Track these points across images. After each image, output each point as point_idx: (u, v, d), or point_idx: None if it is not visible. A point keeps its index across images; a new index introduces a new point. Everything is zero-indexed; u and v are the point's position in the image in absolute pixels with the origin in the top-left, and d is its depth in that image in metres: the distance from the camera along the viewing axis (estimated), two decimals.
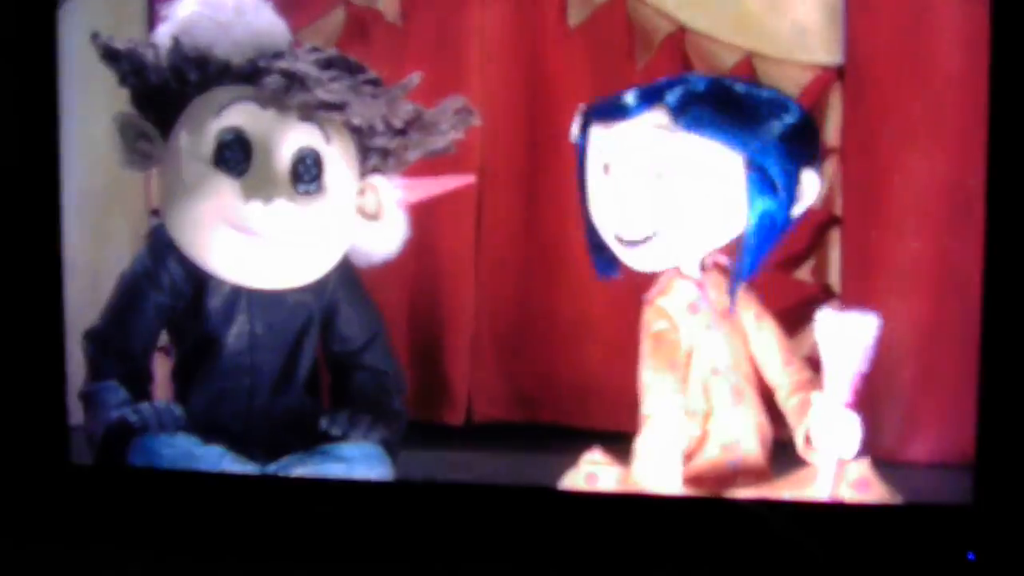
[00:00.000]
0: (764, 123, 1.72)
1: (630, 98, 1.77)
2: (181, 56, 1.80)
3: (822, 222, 2.29)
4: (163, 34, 1.84)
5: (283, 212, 1.77)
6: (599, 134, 1.81)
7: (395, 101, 1.84)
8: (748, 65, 2.27)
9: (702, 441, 1.86)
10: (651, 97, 1.75)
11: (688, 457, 1.86)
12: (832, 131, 2.25)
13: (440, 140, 1.91)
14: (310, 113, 1.80)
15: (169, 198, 1.84)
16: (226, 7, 1.82)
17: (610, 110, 1.79)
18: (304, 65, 1.80)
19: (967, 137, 1.99)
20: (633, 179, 1.76)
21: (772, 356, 1.85)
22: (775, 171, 1.73)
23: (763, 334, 1.86)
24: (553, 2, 2.37)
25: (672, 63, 2.30)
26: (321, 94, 1.77)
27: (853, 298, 2.25)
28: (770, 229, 1.76)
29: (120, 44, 1.82)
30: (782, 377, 1.84)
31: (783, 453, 1.84)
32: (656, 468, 1.78)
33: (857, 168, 2.25)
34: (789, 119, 1.74)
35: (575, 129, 1.86)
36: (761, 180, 1.73)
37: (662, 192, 1.75)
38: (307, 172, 1.81)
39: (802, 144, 1.76)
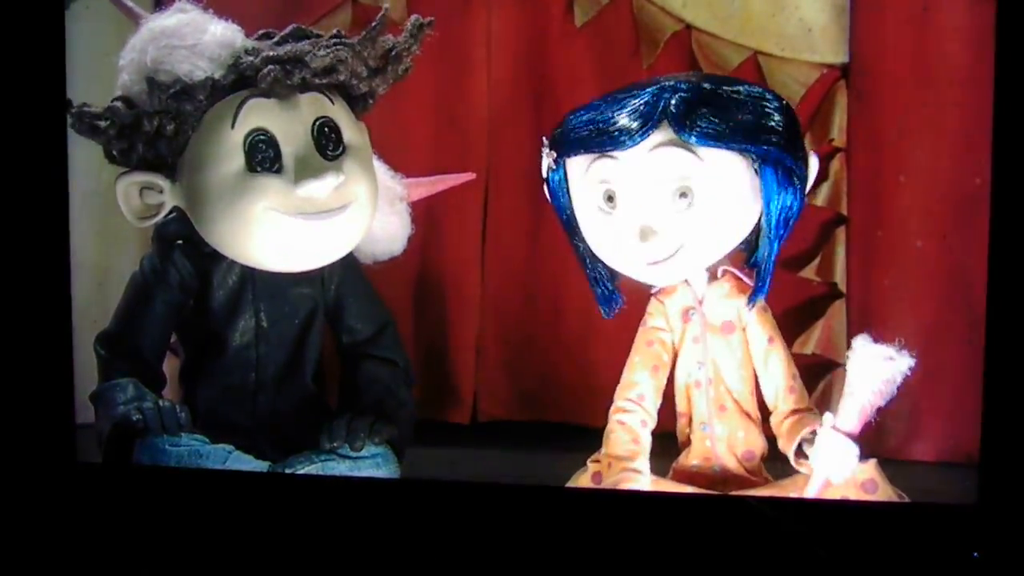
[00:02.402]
0: (764, 120, 1.70)
1: (632, 125, 1.69)
2: (168, 95, 1.78)
3: (828, 221, 2.29)
4: (131, 84, 1.82)
5: (333, 182, 1.79)
6: (597, 166, 1.74)
7: (375, 40, 1.84)
8: (754, 64, 2.27)
9: (687, 444, 1.88)
10: (650, 119, 1.69)
11: (679, 457, 1.89)
12: (838, 130, 2.26)
13: (405, 64, 1.89)
14: (307, 86, 1.81)
15: (210, 219, 1.82)
16: (185, 32, 1.81)
17: (607, 141, 1.71)
18: (282, 48, 1.80)
19: (972, 136, 1.99)
20: (653, 202, 1.72)
21: (776, 382, 1.82)
22: (791, 163, 1.71)
23: (771, 360, 1.83)
24: (559, 1, 2.38)
25: (678, 62, 2.30)
26: (316, 62, 1.78)
27: (858, 297, 2.26)
28: (788, 218, 1.75)
29: (99, 119, 1.79)
30: (783, 404, 1.82)
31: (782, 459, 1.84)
32: (622, 473, 1.79)
33: (863, 167, 2.25)
34: (777, 106, 1.72)
35: (549, 163, 1.80)
36: (778, 174, 1.71)
37: (684, 208, 1.72)
38: (329, 141, 1.83)
39: (797, 129, 1.75)
